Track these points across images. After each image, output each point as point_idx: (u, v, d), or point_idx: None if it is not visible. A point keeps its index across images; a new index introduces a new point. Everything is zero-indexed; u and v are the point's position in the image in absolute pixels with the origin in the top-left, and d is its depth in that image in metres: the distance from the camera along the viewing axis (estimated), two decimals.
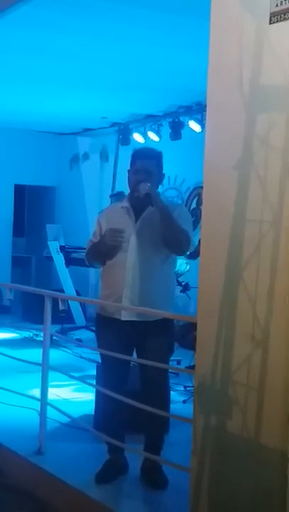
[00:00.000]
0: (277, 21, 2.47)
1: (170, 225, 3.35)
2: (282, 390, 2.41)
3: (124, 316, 3.43)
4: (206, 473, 2.75)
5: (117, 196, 7.00)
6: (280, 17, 2.46)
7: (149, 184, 3.36)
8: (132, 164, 3.51)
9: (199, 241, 2.86)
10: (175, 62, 5.61)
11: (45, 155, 9.96)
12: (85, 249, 3.74)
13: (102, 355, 3.62)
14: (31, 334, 7.36)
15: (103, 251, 3.46)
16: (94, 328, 3.85)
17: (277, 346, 2.44)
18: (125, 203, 3.53)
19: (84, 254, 3.71)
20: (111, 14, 4.55)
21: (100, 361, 3.86)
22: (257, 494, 2.52)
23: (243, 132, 2.59)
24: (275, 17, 2.48)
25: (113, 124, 8.71)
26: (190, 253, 3.72)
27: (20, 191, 10.29)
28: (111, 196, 7.33)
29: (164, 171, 3.56)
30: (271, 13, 2.49)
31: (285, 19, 2.44)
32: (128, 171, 3.54)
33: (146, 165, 3.45)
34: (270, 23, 2.49)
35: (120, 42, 5.16)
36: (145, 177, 3.40)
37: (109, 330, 3.50)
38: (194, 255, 4.38)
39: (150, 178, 3.41)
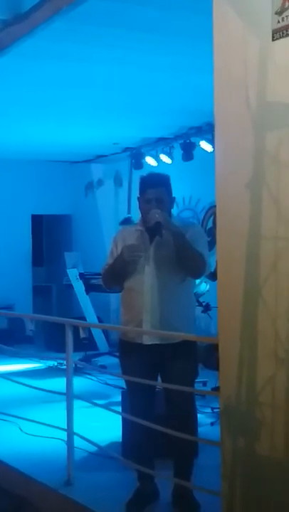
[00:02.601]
0: (280, 37, 2.48)
1: (184, 250, 3.35)
2: None
3: (146, 340, 3.41)
4: (238, 496, 2.70)
5: (125, 223, 7.04)
6: (283, 33, 2.46)
7: (159, 211, 3.37)
8: (141, 192, 3.52)
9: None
10: (183, 84, 5.65)
11: (60, 184, 10.05)
12: None
13: (126, 381, 3.59)
14: (55, 363, 7.36)
15: (120, 269, 3.45)
16: (117, 354, 3.83)
17: None
18: (139, 227, 3.54)
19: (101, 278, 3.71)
20: (116, 41, 4.60)
21: (124, 387, 3.84)
22: None
23: (252, 150, 2.58)
24: (278, 33, 2.49)
25: (125, 149, 8.77)
26: (209, 274, 3.70)
27: (37, 221, 10.38)
28: (120, 224, 7.37)
29: (174, 193, 3.57)
30: (273, 30, 2.50)
31: (287, 35, 2.45)
32: (138, 198, 3.54)
33: (156, 193, 3.45)
34: (273, 40, 2.50)
35: (127, 67, 5.22)
36: (157, 206, 3.41)
37: (133, 355, 3.48)
38: (213, 276, 4.34)
39: (162, 206, 3.42)
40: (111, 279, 3.60)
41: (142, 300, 3.40)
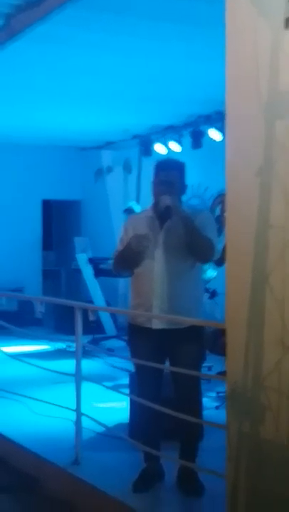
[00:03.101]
0: None
1: (193, 235, 3.39)
2: None
3: (156, 325, 3.47)
4: (242, 479, 2.76)
5: (128, 211, 7.09)
6: None
7: (169, 196, 3.41)
8: (155, 176, 3.56)
9: (224, 248, 2.88)
10: (193, 72, 5.66)
11: (70, 170, 10.09)
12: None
13: (135, 364, 3.66)
14: (64, 345, 7.44)
15: (129, 257, 3.51)
16: (125, 338, 3.90)
17: None
18: (150, 213, 3.58)
19: (111, 263, 3.77)
20: (129, 29, 4.62)
21: (132, 370, 3.90)
22: None
23: (263, 139, 2.61)
24: None
25: (135, 136, 8.79)
26: (216, 260, 3.75)
27: (47, 206, 10.44)
28: (124, 212, 7.42)
29: (186, 181, 3.60)
30: (287, 18, 2.50)
31: None
32: (152, 182, 3.59)
33: (169, 176, 3.49)
34: (286, 28, 2.52)
35: (138, 55, 5.23)
36: (167, 188, 3.45)
37: (141, 339, 3.54)
38: (220, 262, 4.39)
39: (172, 189, 3.45)
40: (120, 266, 3.66)
41: (152, 285, 3.45)
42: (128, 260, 3.54)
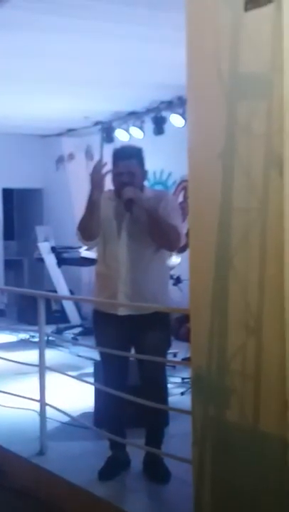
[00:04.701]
0: (253, 8, 2.47)
1: (158, 225, 3.35)
2: (278, 376, 2.41)
3: (121, 311, 3.44)
4: (208, 463, 2.76)
5: None
6: (255, 4, 2.46)
7: (131, 188, 3.35)
8: (114, 165, 3.46)
9: (187, 233, 2.86)
10: (154, 57, 5.60)
11: (30, 157, 9.95)
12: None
13: (100, 352, 3.62)
14: (28, 336, 7.36)
15: (90, 211, 3.35)
16: (89, 327, 3.86)
17: (270, 333, 2.45)
18: (112, 197, 3.52)
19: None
20: (88, 12, 4.54)
21: (97, 359, 3.87)
22: (259, 481, 2.53)
23: (224, 122, 2.59)
24: (250, 4, 2.48)
25: (96, 123, 8.71)
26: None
27: (8, 195, 10.29)
28: None
29: (146, 167, 3.54)
30: (246, 1, 2.49)
31: (259, 6, 2.44)
32: (111, 172, 3.46)
33: (128, 166, 3.42)
34: (246, 11, 2.50)
35: (98, 40, 5.16)
36: (128, 179, 3.39)
37: (107, 325, 3.50)
38: (183, 248, 4.37)
39: (133, 179, 3.40)
40: (84, 225, 3.43)
41: (117, 270, 3.41)
42: (87, 218, 3.37)
